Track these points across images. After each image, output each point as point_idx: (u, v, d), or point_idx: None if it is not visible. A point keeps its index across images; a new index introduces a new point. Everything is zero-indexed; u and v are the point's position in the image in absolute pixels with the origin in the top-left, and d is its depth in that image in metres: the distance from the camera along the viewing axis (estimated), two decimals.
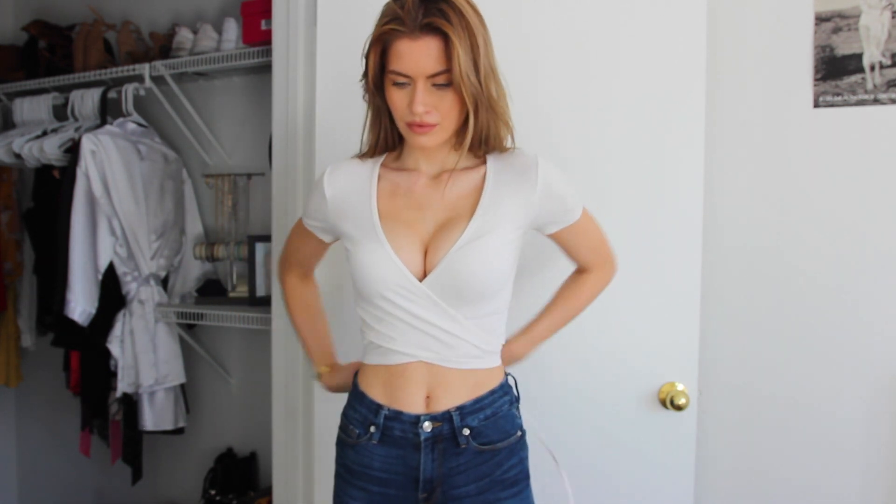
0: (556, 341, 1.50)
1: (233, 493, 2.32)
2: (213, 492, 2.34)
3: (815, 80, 1.60)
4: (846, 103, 1.57)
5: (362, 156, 1.29)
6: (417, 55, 1.11)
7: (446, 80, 1.12)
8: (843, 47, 1.57)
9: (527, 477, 1.28)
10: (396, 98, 1.15)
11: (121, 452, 2.44)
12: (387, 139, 1.26)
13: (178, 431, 2.42)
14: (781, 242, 1.63)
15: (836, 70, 1.58)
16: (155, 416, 2.33)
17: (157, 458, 2.60)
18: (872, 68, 1.55)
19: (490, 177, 1.22)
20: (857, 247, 1.58)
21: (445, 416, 1.21)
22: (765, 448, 1.66)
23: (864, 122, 1.56)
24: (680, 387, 1.56)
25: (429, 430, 1.20)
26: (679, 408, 1.54)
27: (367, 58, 1.17)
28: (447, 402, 1.21)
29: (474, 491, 1.21)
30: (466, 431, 1.21)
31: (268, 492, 2.24)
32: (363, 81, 1.21)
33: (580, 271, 1.39)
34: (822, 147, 1.60)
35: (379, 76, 1.17)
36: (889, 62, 1.54)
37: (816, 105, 1.60)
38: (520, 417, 1.29)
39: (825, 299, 1.60)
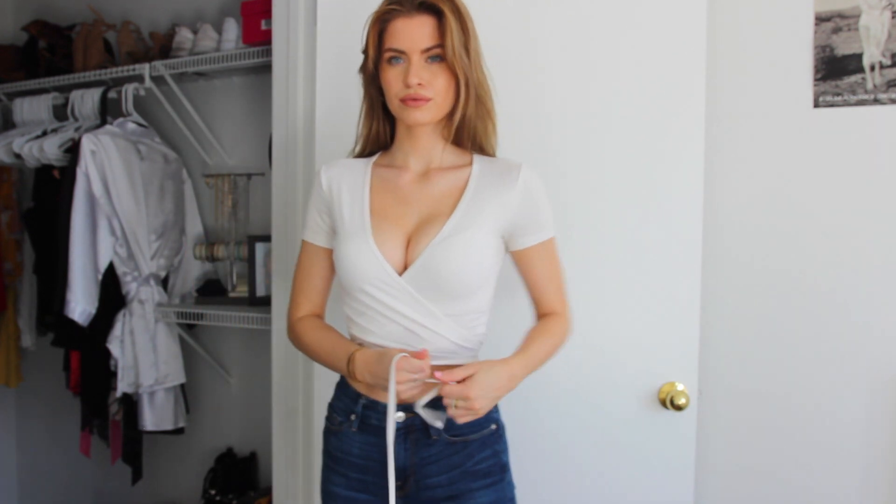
0: None
1: (233, 493, 2.32)
2: (213, 492, 2.34)
3: (815, 80, 1.60)
4: (846, 103, 1.57)
5: (356, 156, 1.36)
6: (413, 30, 1.18)
7: (440, 53, 1.19)
8: (843, 47, 1.57)
9: (502, 470, 1.30)
10: (391, 76, 1.21)
11: (121, 452, 2.44)
12: (378, 134, 1.32)
13: (178, 431, 2.42)
14: (781, 242, 1.63)
15: (836, 70, 1.58)
16: (155, 416, 2.33)
17: (157, 458, 2.59)
18: (872, 68, 1.55)
19: (474, 177, 1.27)
20: (857, 246, 1.58)
21: None
22: (765, 448, 1.66)
23: (864, 122, 1.56)
24: (680, 387, 1.56)
25: (401, 420, 1.24)
26: (679, 408, 1.55)
27: (366, 41, 1.23)
28: (420, 393, 1.22)
29: (446, 481, 1.25)
30: (438, 423, 1.23)
31: (268, 492, 2.24)
32: (361, 72, 1.28)
33: (541, 316, 1.33)
34: (822, 147, 1.60)
35: (376, 60, 1.23)
36: (889, 62, 1.54)
37: (816, 105, 1.60)
38: (496, 412, 1.32)
39: (825, 299, 1.60)
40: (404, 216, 1.26)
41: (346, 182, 1.31)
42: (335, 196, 1.30)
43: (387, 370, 1.15)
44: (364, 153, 1.36)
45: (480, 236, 1.23)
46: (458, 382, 1.14)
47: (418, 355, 1.16)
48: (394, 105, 1.23)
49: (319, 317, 1.37)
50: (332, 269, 1.35)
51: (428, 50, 1.19)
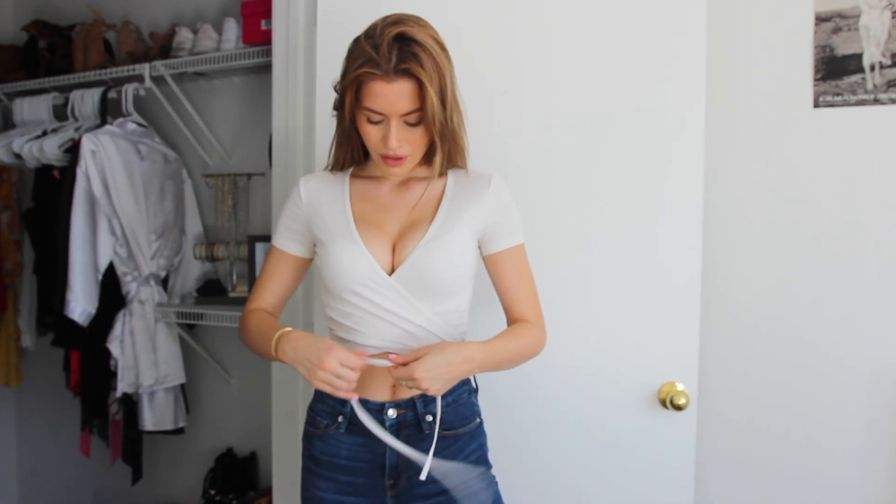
0: (556, 341, 1.50)
1: (233, 493, 2.32)
2: (213, 492, 2.34)
3: (815, 80, 1.60)
4: (846, 103, 1.57)
5: (331, 170, 1.37)
6: (393, 97, 1.17)
7: (418, 118, 1.20)
8: (843, 47, 1.57)
9: (486, 461, 1.34)
10: (371, 132, 1.22)
11: (121, 452, 2.44)
12: (353, 155, 1.34)
13: (178, 431, 2.42)
14: (781, 242, 1.64)
15: (836, 70, 1.58)
16: (155, 416, 2.33)
17: (157, 458, 2.60)
18: (872, 68, 1.55)
19: (450, 187, 1.32)
20: (857, 246, 1.58)
21: (409, 403, 1.27)
22: (764, 448, 1.66)
23: (864, 122, 1.56)
24: (680, 387, 1.56)
25: (393, 416, 1.27)
26: (679, 408, 1.55)
27: (342, 96, 1.23)
28: (412, 390, 1.25)
29: (439, 476, 1.26)
30: (429, 417, 1.27)
31: (268, 492, 2.24)
32: (336, 113, 1.28)
33: (512, 322, 1.35)
34: (822, 147, 1.60)
35: (353, 110, 1.23)
36: (889, 62, 1.54)
37: (816, 105, 1.60)
38: (478, 406, 1.36)
39: (825, 299, 1.60)
40: (387, 222, 1.30)
41: (325, 193, 1.33)
42: (315, 207, 1.33)
43: (312, 351, 1.15)
44: (339, 170, 1.38)
45: (461, 239, 1.28)
46: (407, 363, 1.16)
47: (358, 354, 1.16)
48: (374, 156, 1.26)
49: (269, 313, 1.38)
50: (294, 276, 1.39)
51: (407, 114, 1.19)
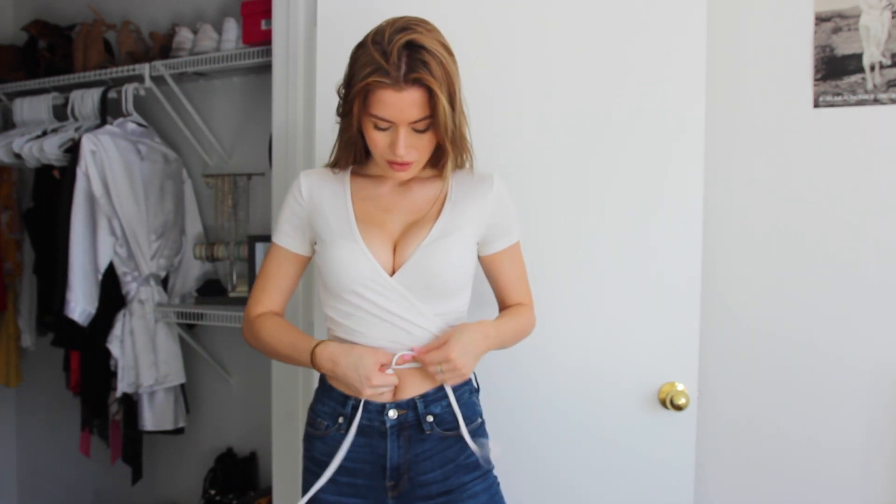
0: (556, 341, 1.51)
1: (233, 493, 2.32)
2: (213, 492, 2.34)
3: (815, 80, 1.60)
4: (846, 103, 1.57)
5: (332, 167, 1.35)
6: (402, 105, 1.16)
7: (426, 125, 1.19)
8: (843, 47, 1.57)
9: (488, 462, 1.33)
10: (378, 139, 1.22)
11: (121, 452, 2.44)
12: (356, 157, 1.33)
13: (178, 431, 2.42)
14: (781, 242, 1.63)
15: (836, 70, 1.58)
16: (155, 416, 2.33)
17: (157, 458, 2.60)
18: (872, 68, 1.55)
19: (453, 186, 1.32)
20: (857, 246, 1.58)
21: (410, 404, 1.27)
22: (764, 448, 1.66)
23: (864, 122, 1.56)
24: (680, 387, 1.56)
25: (394, 417, 1.26)
26: (679, 408, 1.55)
27: (349, 103, 1.21)
28: (412, 390, 1.27)
29: (440, 477, 1.27)
30: (430, 418, 1.27)
31: (268, 492, 2.24)
32: (341, 119, 1.27)
33: (509, 307, 1.40)
34: (822, 147, 1.60)
35: (360, 116, 1.22)
36: (889, 62, 1.54)
37: (816, 105, 1.60)
38: (479, 406, 1.36)
39: (825, 299, 1.60)
40: (389, 222, 1.29)
41: (326, 190, 1.32)
42: (316, 203, 1.31)
43: (355, 372, 1.21)
44: (340, 170, 1.36)
45: (463, 241, 1.29)
46: (431, 351, 1.21)
47: (386, 364, 1.24)
48: (380, 162, 1.25)
49: (278, 315, 1.37)
50: (298, 274, 1.38)
51: (416, 122, 1.18)
